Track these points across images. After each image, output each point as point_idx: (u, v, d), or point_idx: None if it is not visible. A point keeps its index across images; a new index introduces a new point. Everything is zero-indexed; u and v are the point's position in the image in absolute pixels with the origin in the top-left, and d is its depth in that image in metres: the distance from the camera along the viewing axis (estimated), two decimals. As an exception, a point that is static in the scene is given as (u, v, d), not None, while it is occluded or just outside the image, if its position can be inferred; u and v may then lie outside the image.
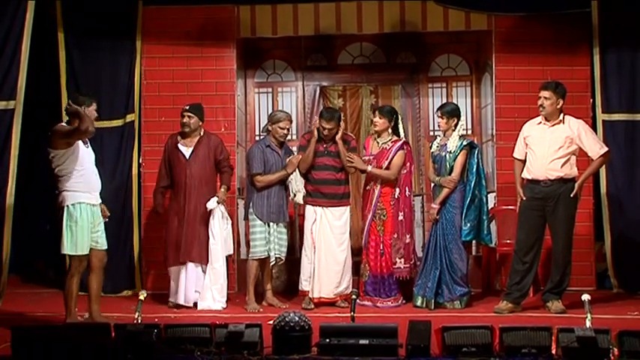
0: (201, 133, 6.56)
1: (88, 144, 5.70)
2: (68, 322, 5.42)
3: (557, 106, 6.01)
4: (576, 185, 5.98)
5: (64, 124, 5.71)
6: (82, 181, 5.54)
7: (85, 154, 5.60)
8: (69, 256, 5.63)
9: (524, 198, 6.12)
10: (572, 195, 5.96)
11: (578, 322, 4.74)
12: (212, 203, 6.37)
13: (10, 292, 6.58)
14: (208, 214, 6.40)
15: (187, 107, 6.55)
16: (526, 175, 6.13)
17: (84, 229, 5.52)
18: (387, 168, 6.42)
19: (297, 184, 6.49)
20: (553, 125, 6.04)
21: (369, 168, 6.41)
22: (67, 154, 5.48)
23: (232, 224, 7.13)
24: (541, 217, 6.07)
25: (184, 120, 6.48)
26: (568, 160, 6.01)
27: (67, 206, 5.50)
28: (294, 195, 6.49)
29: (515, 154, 6.30)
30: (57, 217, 5.57)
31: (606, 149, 6.04)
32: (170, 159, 6.55)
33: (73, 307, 5.58)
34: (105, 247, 5.76)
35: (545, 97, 6.01)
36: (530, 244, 6.09)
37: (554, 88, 6.01)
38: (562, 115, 6.05)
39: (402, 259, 6.39)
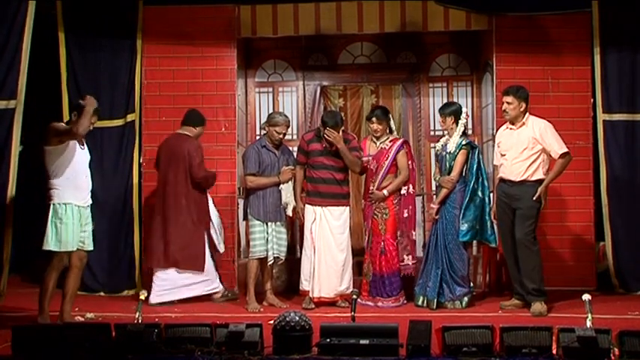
0: None
1: (85, 146, 5.69)
2: (68, 322, 5.41)
3: (521, 109, 6.10)
4: (539, 188, 6.00)
5: (61, 123, 5.71)
6: (70, 180, 5.51)
7: (79, 155, 5.59)
8: (51, 252, 5.53)
9: (494, 209, 6.29)
10: (534, 197, 5.99)
11: (578, 322, 4.74)
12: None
13: (10, 291, 6.58)
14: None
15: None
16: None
17: (68, 226, 5.47)
18: (390, 167, 6.43)
19: (287, 195, 6.48)
20: (518, 128, 6.12)
21: (386, 193, 6.40)
22: (60, 153, 5.47)
23: (232, 224, 7.16)
24: (510, 215, 6.12)
25: None
26: (534, 161, 6.04)
27: (54, 204, 5.48)
28: (285, 205, 6.49)
29: (494, 162, 6.43)
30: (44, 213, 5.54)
31: (565, 150, 6.03)
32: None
33: (47, 305, 5.51)
34: (90, 248, 5.70)
35: (508, 102, 6.12)
36: (508, 242, 6.18)
37: (516, 93, 6.10)
38: (526, 116, 6.11)
39: (410, 256, 6.44)
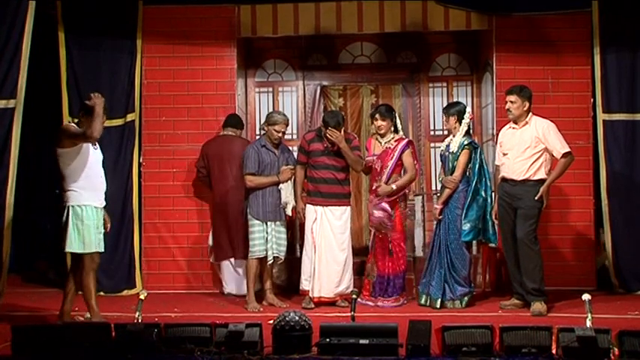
0: None
1: (97, 146, 5.66)
2: (68, 322, 5.40)
3: (524, 108, 6.11)
4: (541, 188, 5.99)
5: (72, 124, 5.68)
6: (87, 182, 5.49)
7: (93, 156, 5.57)
8: (79, 254, 5.50)
9: (495, 209, 6.28)
10: (536, 197, 5.98)
11: (578, 321, 4.75)
12: None
13: (10, 291, 6.58)
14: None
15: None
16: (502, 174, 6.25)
17: (91, 227, 5.47)
18: (395, 167, 6.41)
19: (287, 195, 6.48)
20: (521, 127, 6.12)
21: (394, 187, 6.36)
22: (74, 155, 5.44)
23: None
24: (511, 215, 6.12)
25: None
26: (536, 160, 6.04)
27: (73, 206, 5.44)
28: (285, 205, 6.49)
29: (496, 162, 6.42)
30: (60, 215, 5.50)
31: (567, 150, 6.03)
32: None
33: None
34: (102, 249, 5.69)
35: (511, 101, 6.13)
36: (509, 241, 6.17)
37: (519, 92, 6.11)
38: (529, 116, 6.12)
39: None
